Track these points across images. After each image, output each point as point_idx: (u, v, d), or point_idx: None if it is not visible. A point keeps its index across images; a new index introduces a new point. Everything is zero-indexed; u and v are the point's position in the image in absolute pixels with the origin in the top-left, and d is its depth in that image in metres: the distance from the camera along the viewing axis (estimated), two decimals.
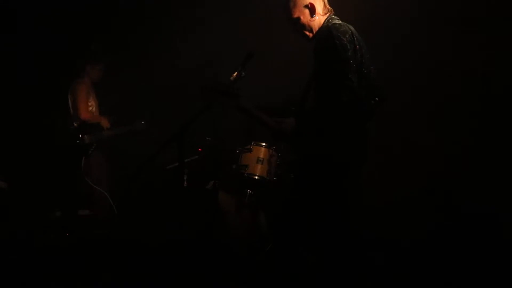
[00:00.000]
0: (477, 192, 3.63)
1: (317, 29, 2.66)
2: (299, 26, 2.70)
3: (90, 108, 4.52)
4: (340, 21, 2.64)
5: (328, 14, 2.68)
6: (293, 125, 2.63)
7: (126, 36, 5.17)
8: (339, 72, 2.42)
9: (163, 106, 5.05)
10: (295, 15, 2.66)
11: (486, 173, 3.64)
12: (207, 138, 4.22)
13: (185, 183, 3.91)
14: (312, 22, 2.66)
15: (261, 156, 3.76)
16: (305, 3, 2.64)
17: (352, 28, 2.58)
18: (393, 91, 2.96)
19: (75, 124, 4.41)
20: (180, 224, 3.32)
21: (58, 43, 4.87)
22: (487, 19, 3.72)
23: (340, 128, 2.46)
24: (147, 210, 4.34)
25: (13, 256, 3.55)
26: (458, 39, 3.81)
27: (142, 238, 3.91)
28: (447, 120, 3.87)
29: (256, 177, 3.73)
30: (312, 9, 2.64)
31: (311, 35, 2.69)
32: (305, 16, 2.65)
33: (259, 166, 3.74)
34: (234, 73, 2.57)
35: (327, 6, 2.70)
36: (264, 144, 3.79)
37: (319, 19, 2.66)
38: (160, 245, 3.59)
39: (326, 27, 2.60)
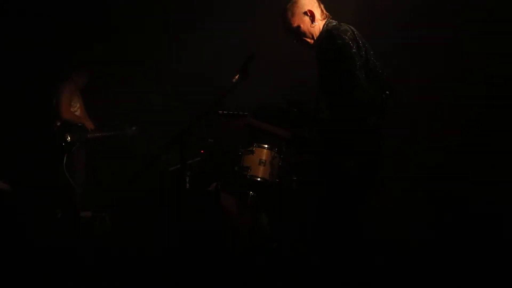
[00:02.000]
0: (478, 192, 3.62)
1: (317, 34, 2.69)
2: (300, 35, 2.71)
3: (74, 110, 4.66)
4: (335, 22, 2.68)
5: (326, 19, 2.71)
6: (306, 132, 2.65)
7: (126, 39, 5.20)
8: (345, 70, 2.44)
9: (164, 108, 5.08)
10: (295, 24, 2.68)
11: (487, 173, 3.63)
12: (209, 139, 4.23)
13: (187, 184, 3.92)
14: (312, 29, 2.68)
15: (263, 158, 3.77)
16: (303, 11, 2.67)
17: (351, 27, 2.60)
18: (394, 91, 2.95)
19: (58, 124, 4.53)
20: (182, 225, 3.32)
21: (46, 46, 4.94)
22: (488, 18, 3.71)
23: (358, 127, 2.46)
24: (149, 212, 4.34)
25: (15, 257, 3.57)
26: (459, 38, 3.80)
27: (143, 240, 3.91)
28: (447, 120, 3.87)
29: (258, 179, 3.74)
30: (311, 15, 2.66)
31: (312, 41, 2.71)
32: (305, 23, 2.67)
33: (261, 168, 3.75)
34: (235, 75, 2.57)
35: (324, 11, 2.73)
36: (266, 146, 3.80)
37: (319, 24, 2.68)
38: (161, 247, 3.59)
39: (326, 31, 2.63)
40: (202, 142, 4.23)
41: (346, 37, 2.48)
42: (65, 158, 4.46)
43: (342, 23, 2.62)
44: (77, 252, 4.07)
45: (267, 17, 4.48)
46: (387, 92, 2.56)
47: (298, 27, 2.68)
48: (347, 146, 2.45)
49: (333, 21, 2.70)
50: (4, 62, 4.83)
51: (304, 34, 2.70)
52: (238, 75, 2.55)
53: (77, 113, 4.71)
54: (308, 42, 2.73)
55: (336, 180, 2.50)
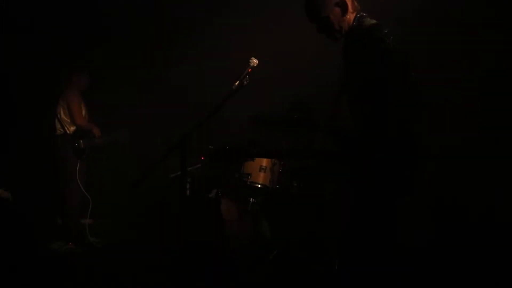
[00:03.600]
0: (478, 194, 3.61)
1: (347, 28, 2.46)
2: (327, 26, 2.48)
3: (83, 115, 4.64)
4: (374, 20, 2.43)
5: (356, 12, 2.48)
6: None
7: (124, 44, 5.24)
8: (383, 77, 2.25)
9: (165, 115, 5.10)
10: (324, 14, 2.45)
11: (487, 174, 3.62)
12: (210, 146, 4.24)
13: (188, 191, 3.92)
14: (342, 21, 2.45)
15: (264, 164, 3.77)
16: (335, 1, 2.44)
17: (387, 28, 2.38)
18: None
19: (70, 129, 4.53)
20: (182, 232, 3.32)
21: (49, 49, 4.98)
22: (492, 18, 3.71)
23: (396, 133, 2.27)
24: (149, 218, 4.35)
25: (17, 264, 3.57)
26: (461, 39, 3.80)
27: (143, 246, 3.91)
28: (448, 121, 3.85)
29: (259, 185, 3.74)
30: (343, 7, 2.44)
31: (339, 35, 2.49)
32: (335, 14, 2.44)
33: (261, 174, 3.75)
34: (235, 81, 2.58)
35: (356, 3, 2.50)
36: None
37: (349, 17, 2.45)
38: (162, 253, 3.59)
39: (361, 26, 2.42)
40: (203, 148, 4.24)
41: (387, 40, 2.28)
42: (78, 164, 4.43)
43: (379, 22, 2.40)
44: (78, 259, 4.07)
45: (268, 24, 4.55)
46: (421, 101, 2.38)
47: (327, 17, 2.45)
48: (384, 148, 2.25)
49: (365, 15, 2.47)
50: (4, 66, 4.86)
51: (332, 25, 2.46)
52: (237, 82, 2.56)
53: (85, 116, 4.70)
54: (334, 34, 2.50)
55: (373, 188, 2.30)
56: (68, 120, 4.54)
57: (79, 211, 4.50)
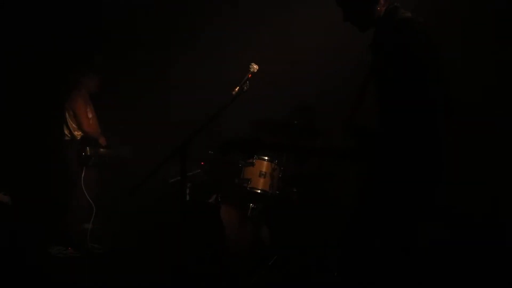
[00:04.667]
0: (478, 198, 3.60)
1: (376, 19, 2.28)
2: (356, 13, 2.30)
3: (90, 120, 4.60)
4: (409, 13, 2.22)
5: (388, 4, 2.28)
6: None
7: (125, 50, 5.25)
8: (418, 75, 2.08)
9: (164, 121, 5.10)
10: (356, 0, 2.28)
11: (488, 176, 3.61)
12: (210, 151, 4.24)
13: (188, 196, 3.92)
14: (373, 10, 2.26)
15: (264, 170, 3.77)
16: None
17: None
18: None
19: (77, 135, 4.50)
20: (182, 238, 3.32)
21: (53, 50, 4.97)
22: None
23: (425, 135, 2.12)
24: (148, 224, 4.34)
25: (17, 269, 3.56)
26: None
27: (142, 252, 3.90)
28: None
29: (259, 191, 3.73)
30: None
31: (367, 24, 2.31)
32: (366, 3, 2.26)
33: (261, 180, 3.75)
34: (236, 87, 2.59)
35: None
36: (266, 158, 3.80)
37: (381, 8, 2.26)
38: (161, 259, 3.58)
39: (394, 18, 2.23)
40: (202, 154, 4.24)
41: (422, 37, 2.13)
42: (83, 171, 4.41)
43: (413, 16, 2.22)
44: (76, 264, 4.06)
45: (270, 32, 4.56)
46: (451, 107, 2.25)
47: (358, 4, 2.28)
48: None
49: (398, 6, 2.27)
50: (8, 68, 4.85)
51: (361, 14, 2.29)
52: (238, 88, 2.57)
53: (92, 121, 4.65)
54: (362, 24, 2.33)
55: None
56: (75, 126, 4.50)
57: (80, 217, 4.48)
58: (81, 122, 4.46)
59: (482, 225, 3.58)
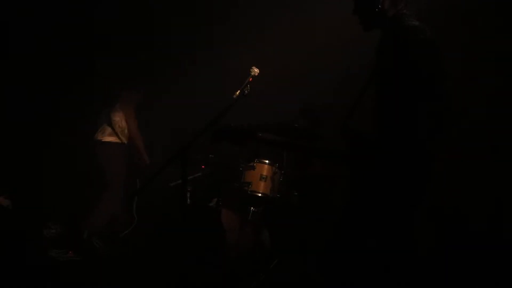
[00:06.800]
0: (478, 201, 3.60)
1: (384, 21, 2.27)
2: (365, 10, 2.29)
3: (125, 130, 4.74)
4: (417, 22, 2.21)
5: (398, 10, 2.27)
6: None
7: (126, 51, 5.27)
8: (425, 83, 2.08)
9: (167, 122, 5.11)
10: None
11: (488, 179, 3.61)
12: (210, 155, 4.24)
13: (188, 200, 3.92)
14: (382, 12, 2.25)
15: (264, 173, 3.77)
16: None
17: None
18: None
19: (124, 140, 4.65)
20: (183, 242, 3.32)
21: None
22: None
23: (425, 141, 2.12)
24: (149, 227, 4.33)
25: (20, 272, 3.56)
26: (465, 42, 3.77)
27: (143, 255, 3.90)
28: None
29: (259, 194, 3.73)
30: None
31: (371, 24, 2.31)
32: (377, 3, 2.25)
33: (262, 183, 3.75)
34: (237, 91, 2.58)
35: (403, 3, 2.27)
36: (267, 161, 3.80)
37: (391, 10, 2.25)
38: (162, 262, 3.58)
39: (400, 25, 2.21)
40: (203, 157, 4.24)
41: (432, 44, 2.12)
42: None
43: (423, 23, 2.19)
44: (76, 268, 4.06)
45: (271, 36, 4.57)
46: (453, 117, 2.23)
47: (369, 1, 2.27)
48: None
49: (408, 13, 2.25)
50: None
51: (368, 12, 2.28)
52: (239, 91, 2.56)
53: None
54: (366, 22, 2.31)
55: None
56: (126, 132, 4.66)
57: (107, 218, 4.50)
58: (134, 132, 4.68)
59: (476, 225, 3.59)
